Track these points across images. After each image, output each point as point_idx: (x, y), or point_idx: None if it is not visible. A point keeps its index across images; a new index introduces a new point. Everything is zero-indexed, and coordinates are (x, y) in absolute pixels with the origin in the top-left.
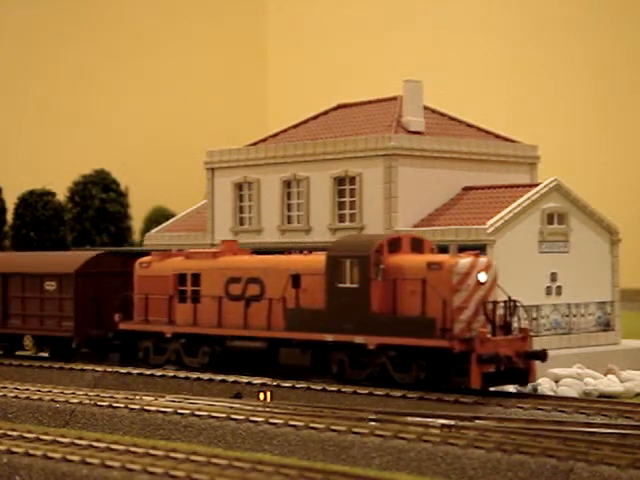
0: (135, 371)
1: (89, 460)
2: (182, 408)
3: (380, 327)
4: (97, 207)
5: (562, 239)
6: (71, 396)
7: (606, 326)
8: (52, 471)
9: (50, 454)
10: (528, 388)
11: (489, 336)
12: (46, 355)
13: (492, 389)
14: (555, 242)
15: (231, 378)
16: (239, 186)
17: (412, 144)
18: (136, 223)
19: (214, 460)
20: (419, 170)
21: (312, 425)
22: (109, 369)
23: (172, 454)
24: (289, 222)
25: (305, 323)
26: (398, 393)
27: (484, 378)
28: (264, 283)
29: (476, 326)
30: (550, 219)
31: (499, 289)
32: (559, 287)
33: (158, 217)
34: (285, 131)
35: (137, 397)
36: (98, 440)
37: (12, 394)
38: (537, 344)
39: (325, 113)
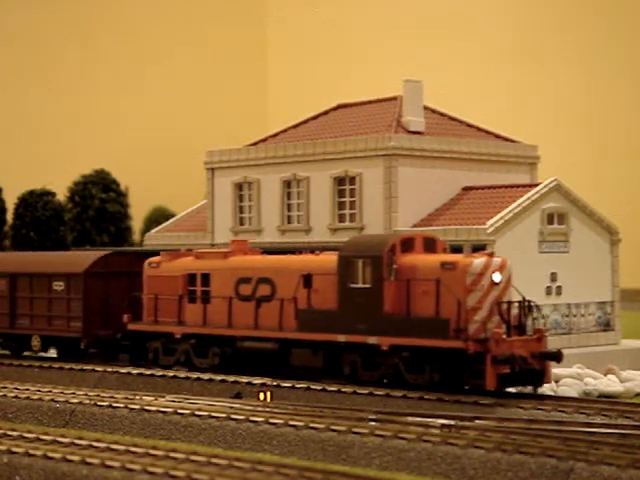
0: (135, 371)
1: (89, 460)
2: (182, 408)
3: (393, 328)
4: (97, 207)
5: (562, 239)
6: (71, 396)
7: (606, 326)
8: (52, 471)
9: (50, 454)
10: (542, 388)
11: (504, 337)
12: (51, 355)
13: (491, 389)
14: (555, 242)
15: (231, 378)
16: (239, 186)
17: (412, 144)
18: (136, 223)
19: (214, 460)
20: (419, 170)
21: (312, 425)
22: (109, 369)
23: (172, 454)
24: (289, 222)
25: (317, 324)
26: (398, 393)
27: (499, 379)
28: (275, 283)
29: (491, 327)
30: (550, 219)
31: (513, 289)
32: (559, 287)
33: (158, 217)
34: (285, 131)
35: (137, 397)
36: (98, 440)
37: (12, 394)
38: None
39: (325, 113)
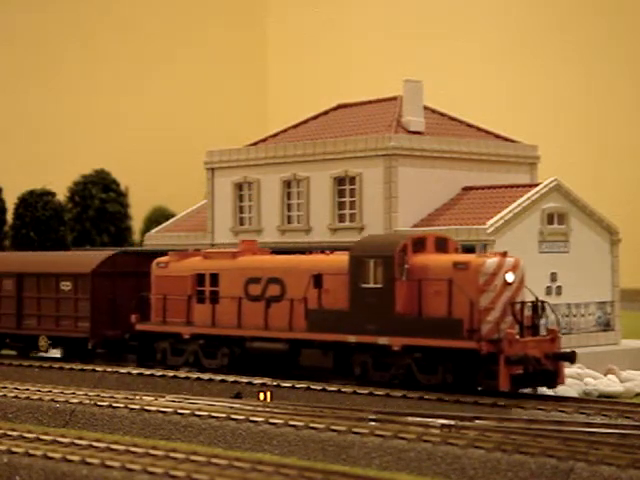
0: (135, 371)
1: (89, 460)
2: (182, 408)
3: (405, 328)
4: (97, 207)
5: (562, 239)
6: (71, 396)
7: (606, 326)
8: (52, 471)
9: (50, 454)
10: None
11: (517, 337)
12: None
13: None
14: (555, 242)
15: (231, 378)
16: (239, 186)
17: (412, 144)
18: (136, 223)
19: (214, 460)
20: (419, 170)
21: (312, 425)
22: (109, 369)
23: (172, 454)
24: (289, 222)
25: (327, 324)
26: (398, 393)
27: (512, 380)
28: (285, 283)
29: (504, 327)
30: (550, 219)
31: (526, 289)
32: (559, 287)
33: (158, 217)
34: (285, 131)
35: (137, 397)
36: (98, 440)
37: (12, 394)
38: None
39: (325, 113)
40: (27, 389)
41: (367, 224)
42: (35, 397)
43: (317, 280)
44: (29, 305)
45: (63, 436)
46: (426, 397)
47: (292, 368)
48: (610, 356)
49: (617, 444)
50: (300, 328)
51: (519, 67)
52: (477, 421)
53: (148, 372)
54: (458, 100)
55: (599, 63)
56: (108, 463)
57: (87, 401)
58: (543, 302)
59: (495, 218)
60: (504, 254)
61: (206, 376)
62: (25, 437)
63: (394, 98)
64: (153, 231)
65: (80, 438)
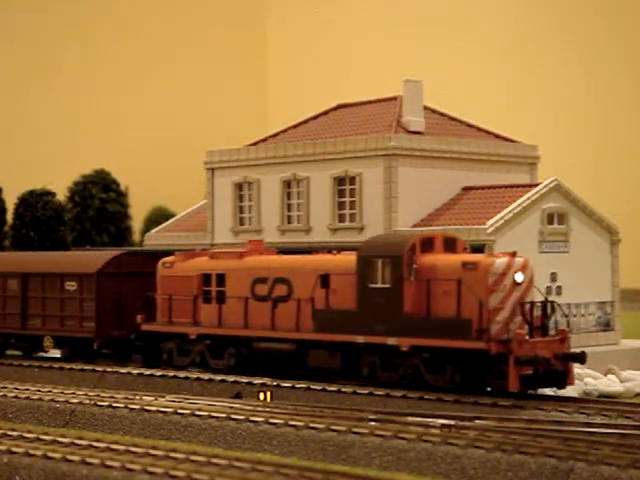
0: (135, 371)
1: (89, 460)
2: (182, 408)
3: (413, 328)
4: (97, 207)
5: (562, 239)
6: (71, 396)
7: (606, 326)
8: (52, 471)
9: (50, 454)
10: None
11: (527, 337)
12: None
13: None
14: (555, 242)
15: (231, 378)
16: (239, 186)
17: (412, 144)
18: (136, 223)
19: (214, 460)
20: (419, 170)
21: (312, 425)
22: (109, 369)
23: (172, 454)
24: (289, 222)
25: (335, 324)
26: (398, 393)
27: (522, 381)
28: (292, 283)
29: (513, 327)
30: (550, 219)
31: (535, 290)
32: (559, 287)
33: (158, 217)
34: (285, 131)
35: (137, 397)
36: (98, 440)
37: (12, 394)
38: None
39: (325, 113)
40: (27, 389)
41: (367, 224)
42: (35, 397)
43: (324, 280)
44: (34, 305)
45: (63, 436)
46: (426, 397)
47: (299, 369)
48: (610, 356)
49: (617, 444)
50: (307, 328)
51: (519, 67)
52: (477, 421)
53: (148, 372)
54: (458, 100)
55: (599, 63)
56: (108, 463)
57: (87, 401)
58: (552, 302)
59: (495, 218)
60: (513, 254)
61: (206, 376)
62: (25, 437)
63: (394, 98)
64: (153, 231)
65: (80, 438)
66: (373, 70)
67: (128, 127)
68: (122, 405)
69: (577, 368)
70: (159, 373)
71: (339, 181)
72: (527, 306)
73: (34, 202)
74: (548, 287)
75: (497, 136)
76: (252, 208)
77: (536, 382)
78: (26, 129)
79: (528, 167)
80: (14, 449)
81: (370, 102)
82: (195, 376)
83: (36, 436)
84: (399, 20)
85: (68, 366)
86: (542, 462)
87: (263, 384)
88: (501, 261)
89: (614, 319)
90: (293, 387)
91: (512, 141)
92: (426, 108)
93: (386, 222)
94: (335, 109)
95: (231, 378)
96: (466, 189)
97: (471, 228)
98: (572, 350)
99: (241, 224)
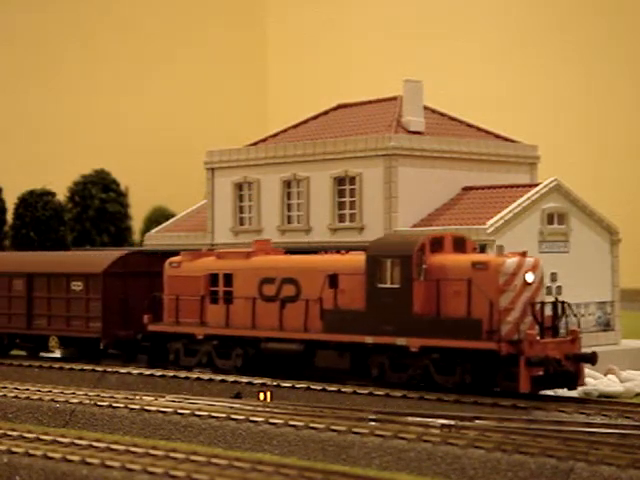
0: (135, 371)
1: (89, 460)
2: (182, 408)
3: (423, 329)
4: (97, 207)
5: (562, 239)
6: (71, 396)
7: (606, 326)
8: (52, 471)
9: (50, 454)
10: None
11: (537, 338)
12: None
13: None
14: (555, 242)
15: (231, 378)
16: (239, 186)
17: (412, 144)
18: (136, 223)
19: (214, 460)
20: (419, 170)
21: (312, 425)
22: (109, 369)
23: (172, 454)
24: (289, 222)
25: (343, 324)
26: (398, 393)
27: (533, 382)
28: (300, 283)
29: (524, 328)
30: (550, 219)
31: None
32: (559, 287)
33: (158, 217)
34: (285, 131)
35: (137, 397)
36: (98, 440)
37: (12, 394)
38: None
39: (325, 113)
40: (27, 389)
41: (367, 224)
42: (35, 397)
43: (333, 280)
44: (39, 305)
45: (63, 436)
46: (426, 397)
47: (307, 369)
48: (610, 356)
49: (617, 444)
50: (315, 329)
51: (519, 67)
52: (477, 421)
53: (148, 372)
54: (458, 100)
55: (599, 63)
56: (108, 463)
57: (87, 401)
58: (563, 302)
59: (495, 218)
60: (524, 254)
61: (206, 376)
62: (25, 437)
63: (394, 98)
64: (153, 231)
65: (80, 438)
66: (373, 70)
67: (128, 127)
68: (122, 405)
69: None
70: (159, 373)
71: (339, 181)
72: (538, 306)
73: (34, 202)
74: (548, 287)
75: (497, 136)
76: (252, 208)
77: (547, 383)
78: (26, 129)
79: (528, 167)
80: (14, 449)
81: (370, 102)
82: (195, 376)
83: (36, 436)
84: (399, 20)
85: (68, 366)
86: (542, 462)
87: (263, 384)
88: (512, 261)
89: (614, 319)
90: (293, 387)
91: (512, 141)
92: (426, 108)
93: (386, 222)
94: (335, 109)
95: (231, 378)
96: (466, 189)
97: (471, 228)
98: (583, 351)
99: (241, 224)
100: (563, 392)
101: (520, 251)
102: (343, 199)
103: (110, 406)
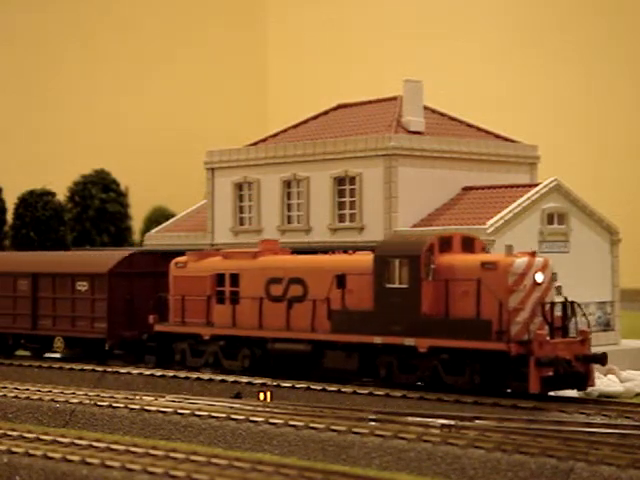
0: (135, 371)
1: (89, 460)
2: (182, 408)
3: (431, 329)
4: (97, 207)
5: (562, 239)
6: (71, 396)
7: (606, 326)
8: (52, 471)
9: (50, 454)
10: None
11: (547, 338)
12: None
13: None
14: (555, 242)
15: (231, 378)
16: (239, 186)
17: (412, 144)
18: (136, 223)
19: (214, 460)
20: (419, 170)
21: (312, 425)
22: (109, 369)
23: (172, 454)
24: (289, 222)
25: (351, 325)
26: (398, 393)
27: (543, 382)
28: (307, 284)
29: (533, 328)
30: (550, 219)
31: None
32: (559, 287)
33: (158, 217)
34: (285, 131)
35: (137, 397)
36: (98, 440)
37: (12, 394)
38: None
39: (325, 113)
40: (27, 389)
41: (367, 224)
42: (35, 397)
43: (340, 280)
44: (44, 305)
45: (63, 436)
46: (426, 397)
47: (315, 370)
48: (610, 356)
49: (617, 444)
50: (323, 329)
51: (519, 67)
52: (477, 421)
53: (148, 372)
54: (458, 100)
55: (599, 63)
56: (108, 463)
57: (87, 401)
58: (573, 302)
59: (495, 218)
60: (533, 254)
61: (206, 376)
62: (25, 437)
63: (394, 98)
64: (153, 231)
65: (80, 438)
66: (373, 70)
67: (128, 127)
68: (122, 405)
69: None
70: (159, 373)
71: (339, 181)
72: (547, 306)
73: (34, 202)
74: None
75: (497, 136)
76: (252, 208)
77: (557, 384)
78: (26, 129)
79: (528, 167)
80: (14, 449)
81: (370, 102)
82: (195, 376)
83: (36, 436)
84: (399, 20)
85: (68, 366)
86: (542, 462)
87: (263, 384)
88: (521, 261)
89: (614, 319)
90: (293, 387)
91: (512, 141)
92: (426, 108)
93: (386, 222)
94: (335, 109)
95: (231, 378)
96: (466, 189)
97: (471, 228)
98: (594, 351)
99: (241, 224)
100: (562, 392)
101: (529, 251)
102: (343, 199)
103: (110, 406)
